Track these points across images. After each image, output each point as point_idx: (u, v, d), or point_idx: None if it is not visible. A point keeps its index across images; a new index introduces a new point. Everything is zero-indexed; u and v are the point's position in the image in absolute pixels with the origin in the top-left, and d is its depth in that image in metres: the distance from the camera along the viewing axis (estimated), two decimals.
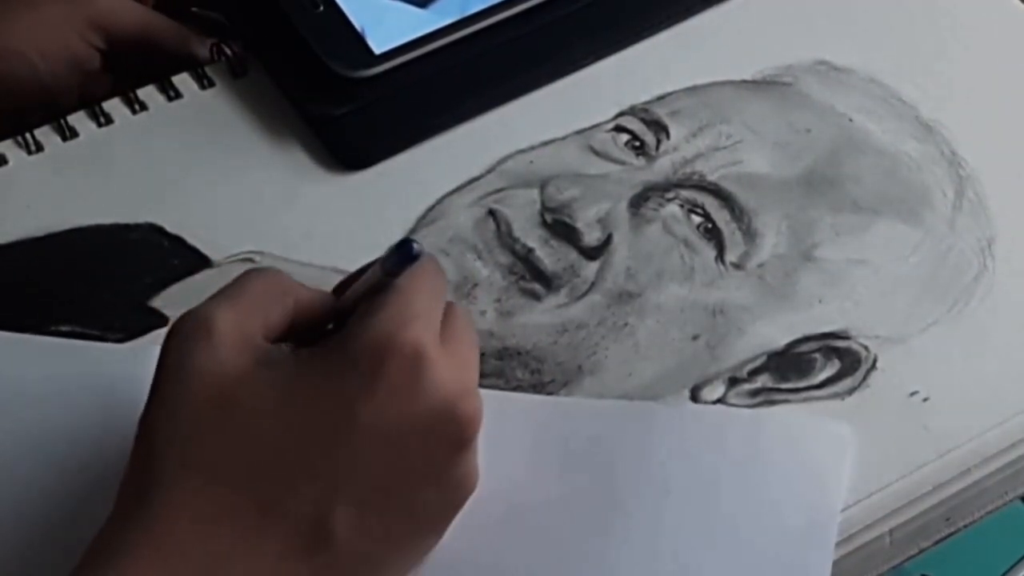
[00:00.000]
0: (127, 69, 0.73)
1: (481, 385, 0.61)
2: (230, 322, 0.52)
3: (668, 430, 0.59)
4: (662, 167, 0.68)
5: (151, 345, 0.56)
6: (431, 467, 0.52)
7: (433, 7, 0.72)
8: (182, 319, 0.53)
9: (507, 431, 0.59)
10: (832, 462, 0.58)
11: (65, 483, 0.58)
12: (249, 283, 0.54)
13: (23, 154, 0.69)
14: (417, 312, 0.52)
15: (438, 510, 0.53)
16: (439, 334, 0.53)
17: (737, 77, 0.72)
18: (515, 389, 0.61)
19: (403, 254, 0.53)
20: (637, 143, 0.69)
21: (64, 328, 0.63)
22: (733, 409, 0.60)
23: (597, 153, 0.69)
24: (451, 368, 0.52)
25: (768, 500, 0.57)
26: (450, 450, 0.52)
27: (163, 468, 0.50)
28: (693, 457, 0.58)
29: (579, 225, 0.66)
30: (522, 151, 0.69)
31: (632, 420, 0.59)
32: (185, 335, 0.52)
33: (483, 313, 0.64)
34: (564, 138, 0.69)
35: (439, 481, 0.52)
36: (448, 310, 0.54)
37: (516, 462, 0.58)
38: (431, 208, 0.67)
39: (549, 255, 0.65)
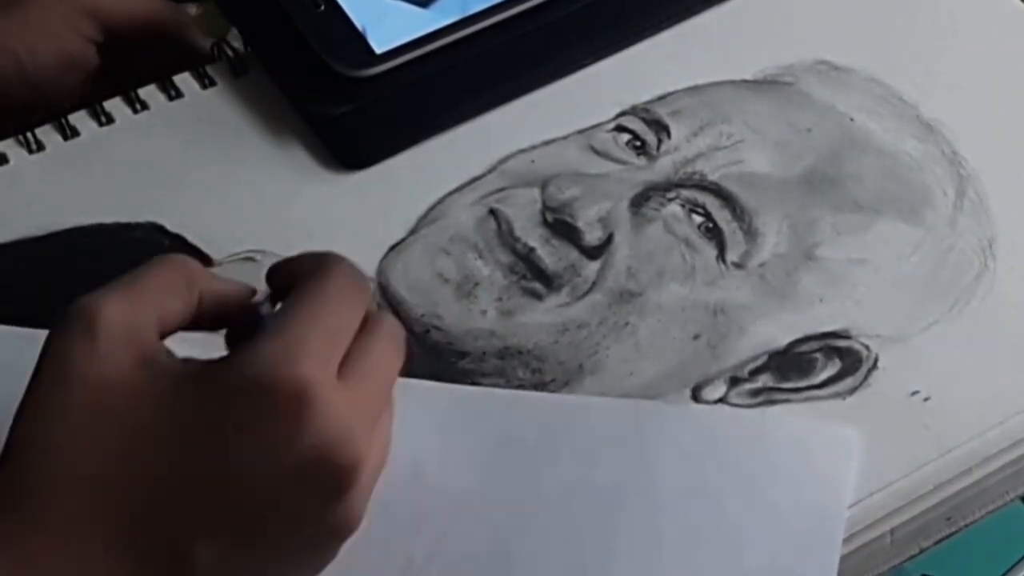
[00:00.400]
0: (126, 64, 0.73)
1: (483, 385, 0.61)
2: (117, 315, 0.50)
3: (672, 430, 0.59)
4: (663, 167, 0.68)
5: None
6: (305, 511, 0.50)
7: (434, 6, 0.71)
8: (67, 310, 0.50)
9: (512, 429, 0.59)
10: (838, 465, 0.58)
11: None
12: (148, 272, 0.52)
13: (24, 153, 0.69)
14: (311, 346, 0.49)
15: (311, 552, 0.51)
16: (339, 365, 0.50)
17: (738, 77, 0.72)
18: (517, 388, 0.61)
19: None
20: (638, 143, 0.69)
21: None
22: (738, 410, 0.61)
23: (598, 153, 0.69)
24: (339, 412, 0.49)
25: (773, 503, 0.57)
26: (327, 497, 0.50)
27: (33, 473, 0.49)
28: (697, 459, 0.58)
29: (580, 224, 0.66)
30: (523, 150, 0.69)
31: (635, 419, 0.59)
32: (67, 329, 0.50)
33: (484, 312, 0.64)
34: (565, 138, 0.69)
35: (313, 525, 0.50)
36: (368, 329, 0.52)
37: (516, 460, 0.58)
38: (432, 207, 0.67)
39: (550, 254, 0.65)
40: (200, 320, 0.53)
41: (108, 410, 0.49)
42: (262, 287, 0.55)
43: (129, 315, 0.50)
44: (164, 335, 0.51)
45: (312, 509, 0.50)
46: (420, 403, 0.59)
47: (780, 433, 0.59)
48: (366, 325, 0.53)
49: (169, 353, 0.51)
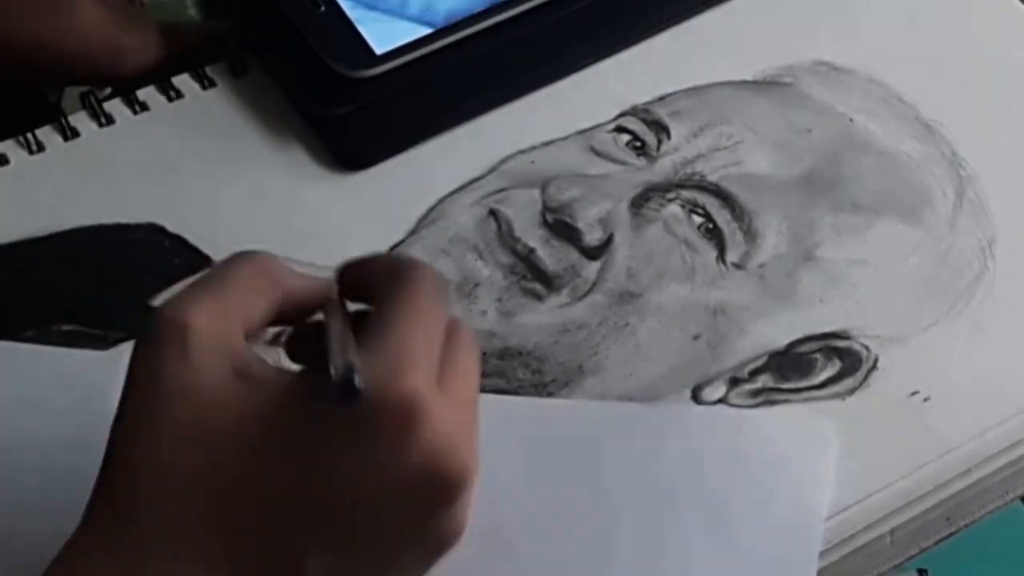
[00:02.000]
0: None
1: (482, 386, 0.61)
2: (206, 322, 0.49)
3: (652, 432, 0.59)
4: (663, 167, 0.68)
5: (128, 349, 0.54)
6: (413, 523, 0.49)
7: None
8: (154, 320, 0.49)
9: (502, 435, 0.58)
10: (815, 459, 0.58)
11: (39, 494, 0.56)
12: (232, 272, 0.51)
13: (24, 154, 0.69)
14: (415, 357, 0.48)
15: (415, 563, 0.50)
16: (438, 372, 0.49)
17: (737, 77, 0.72)
18: (516, 389, 0.61)
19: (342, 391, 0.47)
20: (638, 143, 0.69)
21: (65, 328, 0.63)
22: (717, 409, 0.61)
23: (598, 153, 0.69)
24: (446, 418, 0.48)
25: (752, 499, 0.57)
26: (435, 509, 0.49)
27: (142, 492, 0.48)
28: (677, 458, 0.58)
29: (580, 225, 0.66)
30: (523, 151, 0.69)
31: (616, 421, 0.59)
32: (157, 342, 0.49)
33: (484, 313, 0.64)
34: (565, 138, 0.69)
35: (420, 535, 0.50)
36: (451, 337, 0.51)
37: (510, 465, 0.58)
38: (432, 208, 0.67)
39: (550, 255, 0.65)
40: (280, 318, 0.52)
41: (211, 427, 0.48)
42: None
43: (218, 323, 0.49)
44: (249, 337, 0.50)
45: (420, 521, 0.49)
46: None
47: (755, 429, 0.59)
48: (449, 331, 0.51)
49: (260, 360, 0.49)
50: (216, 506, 0.48)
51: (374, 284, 0.52)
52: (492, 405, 0.57)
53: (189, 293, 0.50)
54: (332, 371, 0.47)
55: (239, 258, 0.52)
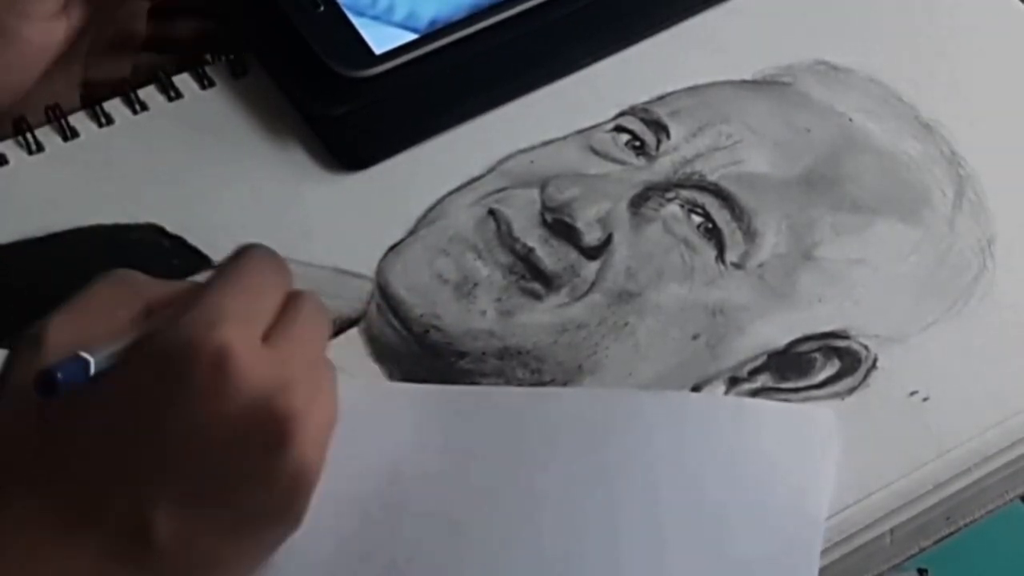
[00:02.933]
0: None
1: (482, 385, 0.61)
2: (61, 333, 0.52)
3: (653, 417, 0.59)
4: (662, 167, 0.68)
5: None
6: (252, 466, 0.51)
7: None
8: (21, 336, 0.53)
9: (486, 426, 0.58)
10: (818, 446, 0.58)
11: None
12: (93, 290, 0.55)
13: (24, 154, 0.69)
14: (226, 311, 0.51)
15: (272, 506, 0.53)
16: (264, 331, 0.52)
17: (737, 77, 0.72)
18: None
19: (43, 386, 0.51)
20: (637, 143, 0.69)
21: None
22: (718, 396, 0.61)
23: (597, 153, 0.69)
24: (266, 365, 0.51)
25: (755, 487, 0.57)
26: (271, 448, 0.51)
27: None
28: (678, 445, 0.58)
29: (579, 225, 0.66)
30: (522, 151, 0.69)
31: (614, 408, 0.59)
32: (18, 349, 0.53)
33: (483, 313, 0.64)
34: (564, 138, 0.69)
35: (265, 479, 0.52)
36: (291, 304, 0.54)
37: (498, 452, 0.58)
38: (431, 208, 0.67)
39: (549, 255, 0.65)
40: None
41: (49, 411, 0.51)
42: None
43: (73, 334, 0.52)
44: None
45: (257, 464, 0.51)
46: (400, 404, 0.60)
47: (758, 416, 0.59)
48: (288, 302, 0.54)
49: (104, 351, 0.52)
50: (58, 484, 0.51)
51: None
52: (484, 396, 0.59)
53: (56, 310, 0.54)
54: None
55: (100, 277, 0.55)
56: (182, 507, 0.51)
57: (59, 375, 0.50)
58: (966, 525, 0.63)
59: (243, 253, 0.55)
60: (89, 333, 0.52)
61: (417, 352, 0.63)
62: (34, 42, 0.68)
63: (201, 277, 0.64)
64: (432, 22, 0.71)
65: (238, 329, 0.51)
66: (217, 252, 0.66)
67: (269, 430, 0.51)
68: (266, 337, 0.52)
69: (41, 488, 0.51)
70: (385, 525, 0.56)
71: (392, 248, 0.66)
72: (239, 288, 0.53)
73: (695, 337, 0.63)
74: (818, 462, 0.58)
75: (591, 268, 0.65)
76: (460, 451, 0.58)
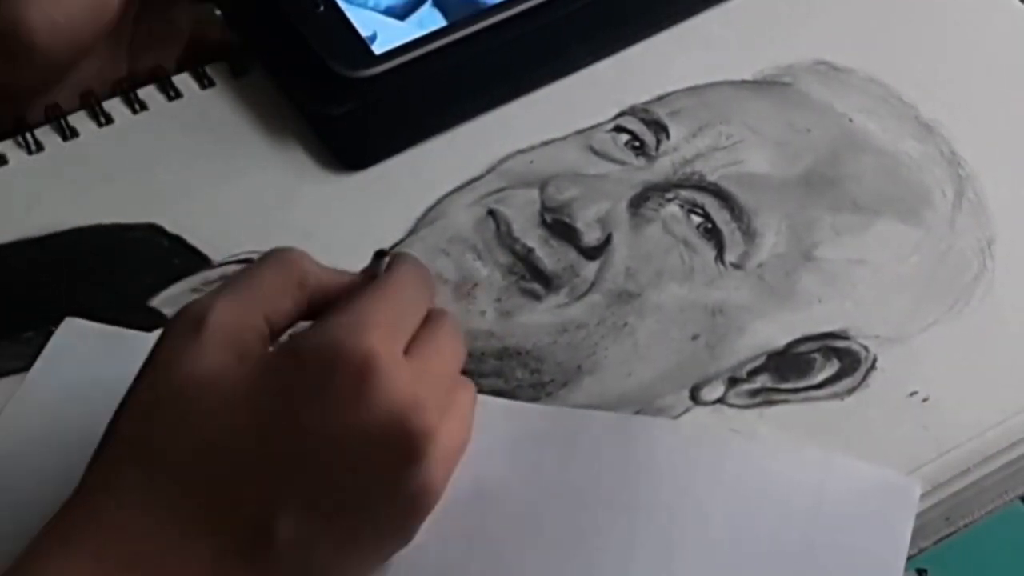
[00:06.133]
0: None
1: (480, 386, 0.61)
2: (224, 319, 0.52)
3: (730, 464, 0.58)
4: (662, 167, 0.68)
5: None
6: (380, 478, 0.51)
7: (411, 19, 0.71)
8: (180, 313, 0.53)
9: (531, 441, 0.58)
10: (898, 516, 0.57)
11: None
12: (259, 272, 0.54)
13: (23, 154, 0.69)
14: (376, 320, 0.52)
15: (391, 521, 0.52)
16: (405, 344, 0.53)
17: (737, 77, 0.72)
18: (515, 389, 0.61)
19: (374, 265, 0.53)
20: (637, 143, 0.69)
21: None
22: (800, 449, 0.59)
23: (597, 153, 0.69)
24: (406, 380, 0.51)
25: (827, 550, 0.56)
26: (400, 463, 0.51)
27: (109, 460, 0.51)
28: (753, 495, 0.57)
29: (579, 225, 0.66)
30: (522, 151, 0.69)
31: (692, 443, 0.58)
32: (175, 332, 0.52)
33: (483, 313, 0.64)
34: (564, 138, 0.69)
35: (391, 493, 0.52)
36: (431, 320, 0.54)
37: (536, 472, 0.58)
38: (431, 208, 0.67)
39: (549, 255, 0.65)
40: (312, 315, 0.55)
41: (202, 402, 0.51)
42: None
43: (237, 319, 0.52)
44: (276, 334, 0.54)
45: (385, 477, 0.51)
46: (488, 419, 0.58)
47: (840, 477, 0.58)
48: (430, 317, 0.55)
49: (258, 343, 0.52)
50: (191, 468, 0.50)
51: None
52: (520, 412, 0.58)
53: (215, 291, 0.53)
54: None
55: (271, 257, 0.55)
56: (307, 510, 0.50)
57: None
58: (966, 525, 0.62)
59: (396, 263, 0.56)
60: (249, 320, 0.52)
61: None
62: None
63: (200, 276, 0.65)
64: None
65: (384, 339, 0.51)
66: (217, 252, 0.66)
67: (402, 445, 0.51)
68: (407, 351, 0.53)
69: (167, 476, 0.50)
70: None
71: (392, 248, 0.66)
72: (389, 298, 0.53)
73: (695, 337, 0.63)
74: (898, 533, 0.56)
75: (591, 268, 0.65)
76: (546, 471, 0.58)
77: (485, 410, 0.57)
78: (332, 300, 0.55)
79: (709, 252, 0.65)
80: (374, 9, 0.71)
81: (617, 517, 0.56)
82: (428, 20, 0.71)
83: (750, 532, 0.56)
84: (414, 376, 0.52)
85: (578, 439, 0.58)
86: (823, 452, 0.58)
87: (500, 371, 0.62)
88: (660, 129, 0.69)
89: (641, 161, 0.69)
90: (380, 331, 0.51)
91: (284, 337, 0.54)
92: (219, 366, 0.51)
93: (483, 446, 0.56)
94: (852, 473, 0.58)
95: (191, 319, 0.52)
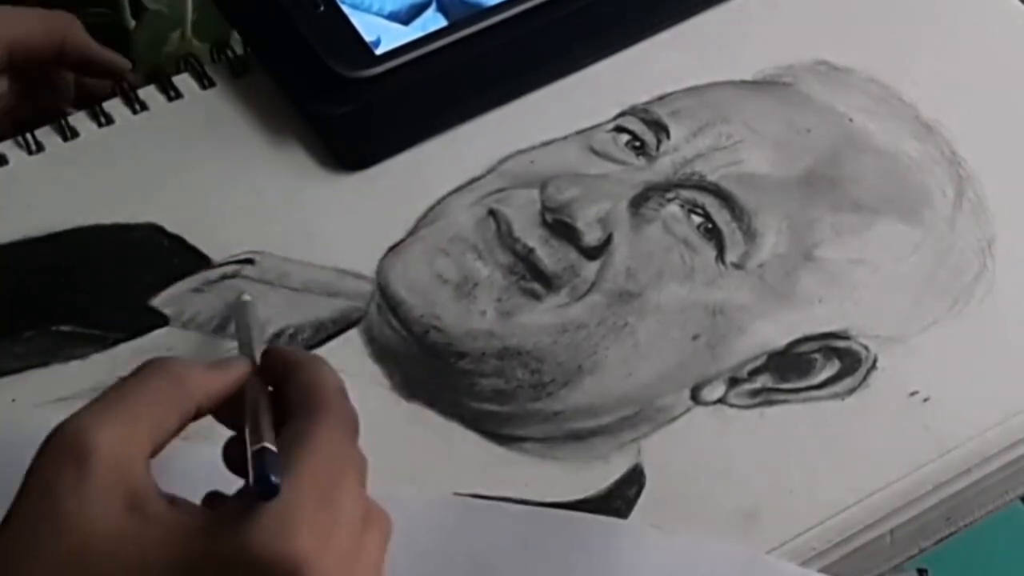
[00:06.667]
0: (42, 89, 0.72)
1: (482, 386, 0.61)
2: (109, 446, 0.47)
3: (650, 561, 0.57)
4: (662, 167, 0.68)
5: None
6: None
7: (415, 24, 0.71)
8: (56, 435, 0.48)
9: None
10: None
11: None
12: (142, 388, 0.50)
13: (24, 154, 0.69)
14: (306, 520, 0.48)
15: None
16: (337, 530, 0.49)
17: (737, 77, 0.72)
18: (515, 389, 0.61)
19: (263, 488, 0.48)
20: (637, 143, 0.69)
21: (64, 328, 0.63)
22: (726, 547, 0.57)
23: (597, 153, 0.69)
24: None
25: None
26: None
27: None
28: None
29: (579, 225, 0.66)
30: (522, 151, 0.69)
31: (615, 542, 0.57)
32: (57, 461, 0.47)
33: (483, 313, 0.64)
34: (565, 138, 0.69)
35: None
36: (368, 517, 0.51)
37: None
38: (431, 208, 0.67)
39: (549, 255, 0.65)
40: (198, 417, 0.51)
41: (90, 555, 0.47)
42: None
43: (123, 447, 0.48)
44: (156, 453, 0.50)
45: None
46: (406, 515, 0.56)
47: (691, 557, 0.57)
48: (368, 515, 0.51)
49: (155, 494, 0.48)
50: None
51: (290, 398, 0.52)
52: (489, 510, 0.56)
53: (96, 410, 0.49)
54: (250, 468, 0.48)
55: (149, 370, 0.51)
56: None
57: (273, 478, 0.47)
58: (966, 525, 0.63)
59: (323, 418, 0.51)
60: (136, 446, 0.48)
61: (417, 352, 0.63)
62: None
63: (200, 276, 0.65)
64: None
65: (315, 541, 0.48)
66: (217, 252, 0.66)
67: None
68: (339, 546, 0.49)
69: None
70: None
71: (392, 248, 0.66)
72: (318, 485, 0.49)
73: (695, 337, 0.63)
74: None
75: (591, 268, 0.65)
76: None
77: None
78: (219, 402, 0.52)
79: (709, 252, 0.65)
80: (378, 14, 0.71)
81: None
82: (432, 25, 0.71)
83: None
84: (345, 566, 0.48)
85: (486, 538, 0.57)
86: (749, 553, 0.57)
87: (501, 371, 0.62)
88: (660, 129, 0.69)
89: (641, 161, 0.69)
90: (311, 532, 0.48)
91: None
92: (110, 511, 0.47)
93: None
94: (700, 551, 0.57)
95: (70, 445, 0.47)
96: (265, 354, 0.55)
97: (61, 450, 0.48)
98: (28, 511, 0.48)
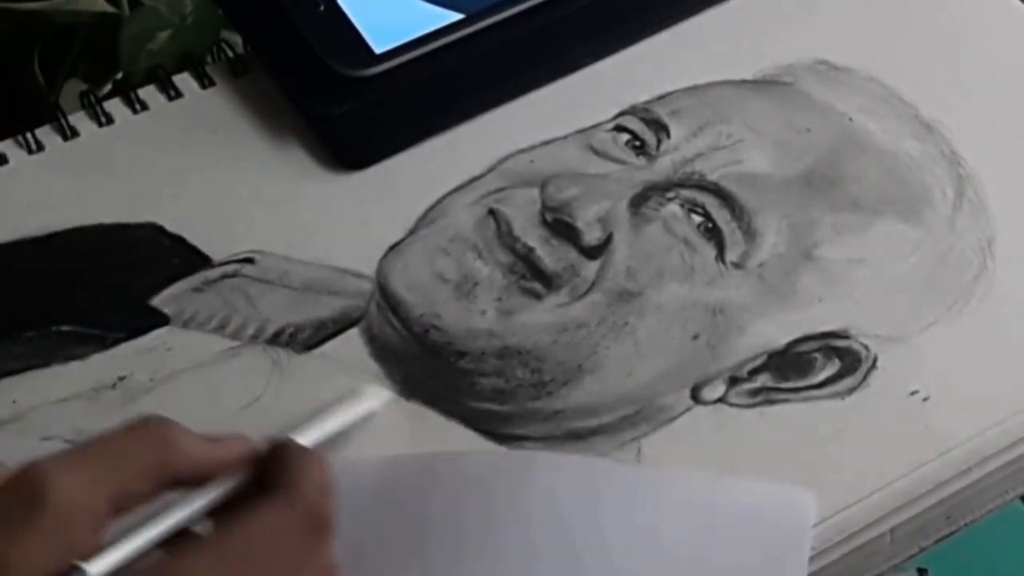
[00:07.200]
0: None
1: (481, 385, 0.61)
2: (65, 492, 0.44)
3: (621, 491, 0.57)
4: (662, 167, 0.68)
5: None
6: None
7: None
8: (18, 474, 0.45)
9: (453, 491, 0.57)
10: (795, 528, 0.57)
11: None
12: (119, 445, 0.47)
13: (24, 154, 0.69)
14: None
15: None
16: None
17: (737, 77, 0.72)
18: (515, 388, 0.61)
19: None
20: (637, 143, 0.69)
21: (64, 328, 0.63)
22: (693, 474, 0.58)
23: (597, 153, 0.69)
24: None
25: (730, 569, 0.56)
26: None
27: None
28: (649, 523, 0.56)
29: (579, 224, 0.66)
30: (523, 150, 0.69)
31: (582, 477, 0.58)
32: (8, 504, 0.44)
33: (483, 312, 0.64)
34: (565, 138, 0.69)
35: None
36: None
37: (459, 522, 0.57)
38: (431, 207, 0.67)
39: (549, 254, 0.65)
40: (174, 487, 0.48)
41: None
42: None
43: (78, 497, 0.45)
44: (118, 513, 0.46)
45: None
46: (358, 479, 0.55)
47: (734, 498, 0.57)
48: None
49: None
50: None
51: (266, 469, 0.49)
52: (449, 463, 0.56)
53: (64, 456, 0.46)
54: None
55: (134, 430, 0.48)
56: None
57: None
58: (966, 525, 0.63)
59: (252, 515, 0.47)
60: (93, 497, 0.45)
61: (417, 352, 0.63)
62: None
63: (200, 276, 0.65)
64: None
65: None
66: (217, 251, 0.66)
67: None
68: None
69: None
70: None
71: (392, 248, 0.66)
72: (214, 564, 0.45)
73: (695, 337, 0.63)
74: (797, 543, 0.56)
75: (591, 268, 0.65)
76: (419, 521, 0.56)
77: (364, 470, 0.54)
78: (202, 478, 0.48)
79: (710, 252, 0.65)
80: None
81: (512, 557, 0.55)
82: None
83: (645, 560, 0.56)
84: None
85: (455, 482, 0.57)
86: (713, 474, 0.58)
87: (501, 371, 0.62)
88: (660, 129, 0.69)
89: (641, 160, 0.69)
90: None
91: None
92: (36, 563, 0.44)
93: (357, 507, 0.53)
94: (744, 491, 0.58)
95: (27, 484, 0.44)
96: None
97: (17, 488, 0.45)
98: None
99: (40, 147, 0.69)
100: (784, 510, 0.57)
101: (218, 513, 0.48)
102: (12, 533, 0.44)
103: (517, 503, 0.56)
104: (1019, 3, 0.75)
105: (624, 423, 0.61)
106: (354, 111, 0.70)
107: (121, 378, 0.62)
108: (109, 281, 0.65)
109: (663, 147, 0.69)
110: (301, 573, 0.47)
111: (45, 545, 0.44)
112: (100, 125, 0.70)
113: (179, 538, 0.47)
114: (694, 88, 0.71)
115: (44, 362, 0.63)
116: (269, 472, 0.48)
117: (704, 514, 0.57)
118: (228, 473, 0.49)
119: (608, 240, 0.66)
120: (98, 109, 0.71)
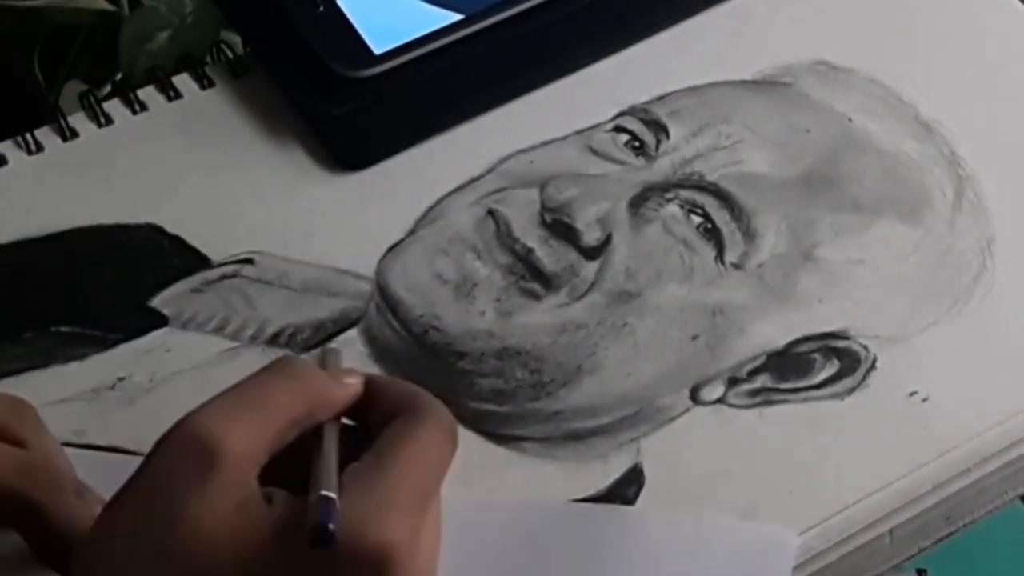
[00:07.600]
0: None
1: (481, 386, 0.61)
2: (236, 447, 0.48)
3: (608, 534, 0.57)
4: (662, 167, 0.68)
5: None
6: None
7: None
8: (184, 432, 0.49)
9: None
10: (776, 568, 0.57)
11: None
12: (270, 388, 0.51)
13: (23, 154, 0.69)
14: (396, 510, 0.49)
15: None
16: (425, 514, 0.50)
17: (737, 77, 0.72)
18: (515, 389, 0.61)
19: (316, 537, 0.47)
20: (637, 143, 0.69)
21: (64, 328, 0.63)
22: (674, 516, 0.58)
23: (597, 153, 0.69)
24: (420, 569, 0.49)
25: None
26: None
27: None
28: (633, 565, 0.56)
29: (579, 225, 0.66)
30: (522, 151, 0.69)
31: (566, 521, 0.58)
32: (181, 459, 0.48)
33: (483, 313, 0.64)
34: (564, 138, 0.69)
35: None
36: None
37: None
38: (431, 208, 0.67)
39: (549, 255, 0.65)
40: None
41: (193, 553, 0.47)
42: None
43: (249, 448, 0.48)
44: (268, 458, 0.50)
45: None
46: None
47: (716, 537, 0.57)
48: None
49: (258, 495, 0.49)
50: None
51: (387, 408, 0.53)
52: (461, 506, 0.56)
53: (224, 410, 0.49)
54: (309, 514, 0.48)
55: (276, 369, 0.51)
56: None
57: (331, 527, 0.47)
58: (966, 525, 0.63)
59: (420, 416, 0.52)
60: (262, 448, 0.49)
61: (416, 352, 0.63)
62: None
63: (200, 276, 0.65)
64: None
65: (404, 531, 0.48)
66: (217, 252, 0.66)
67: None
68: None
69: None
70: None
71: (392, 248, 0.66)
72: (410, 476, 0.50)
73: (694, 338, 0.63)
74: None
75: (590, 268, 0.65)
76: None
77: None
78: (333, 413, 0.52)
79: (709, 252, 0.65)
80: None
81: None
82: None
83: None
84: (423, 564, 0.49)
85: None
86: (695, 517, 0.58)
87: (500, 371, 0.62)
88: (660, 129, 0.69)
89: (641, 161, 0.69)
90: (400, 522, 0.48)
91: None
92: (219, 515, 0.47)
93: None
94: (726, 532, 0.57)
95: (198, 445, 0.48)
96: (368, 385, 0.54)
97: (187, 449, 0.48)
98: (142, 503, 0.48)
99: (40, 148, 0.69)
100: (766, 549, 0.57)
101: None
102: (201, 489, 0.47)
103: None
104: (1019, 4, 0.75)
105: (623, 424, 0.61)
106: (354, 112, 0.70)
107: (120, 379, 0.62)
108: (109, 282, 0.65)
109: (662, 148, 0.69)
110: (444, 477, 0.52)
111: (229, 496, 0.48)
112: (100, 126, 0.70)
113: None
114: (693, 88, 0.71)
115: (44, 363, 0.63)
116: (402, 399, 0.53)
117: (687, 556, 0.57)
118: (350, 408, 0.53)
119: (607, 241, 0.66)
120: (98, 110, 0.71)
